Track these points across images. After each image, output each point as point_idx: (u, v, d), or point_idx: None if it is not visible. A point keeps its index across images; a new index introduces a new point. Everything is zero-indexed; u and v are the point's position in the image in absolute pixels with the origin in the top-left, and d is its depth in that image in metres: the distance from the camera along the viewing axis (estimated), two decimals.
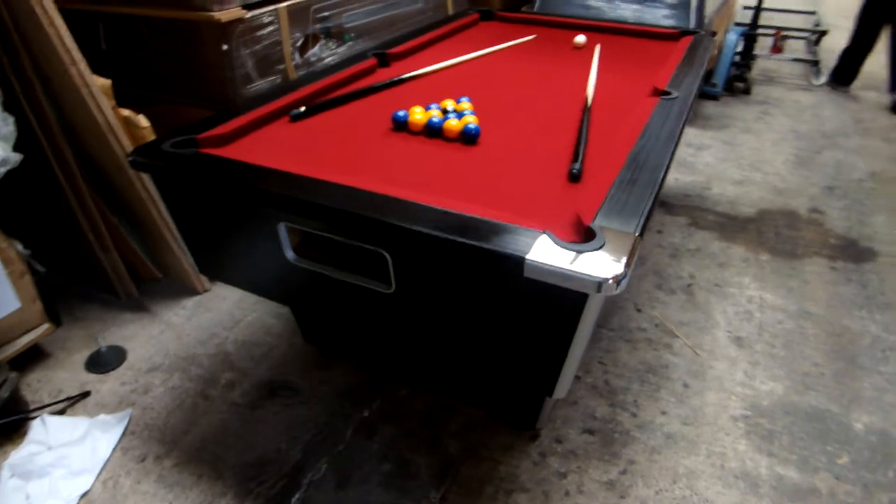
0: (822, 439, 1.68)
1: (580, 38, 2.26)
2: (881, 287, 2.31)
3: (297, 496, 1.53)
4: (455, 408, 1.77)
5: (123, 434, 1.71)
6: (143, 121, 1.88)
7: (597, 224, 1.06)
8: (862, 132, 3.71)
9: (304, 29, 2.25)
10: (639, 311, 2.16)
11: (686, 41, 2.29)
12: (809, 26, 5.01)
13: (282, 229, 1.28)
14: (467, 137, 1.46)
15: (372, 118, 1.59)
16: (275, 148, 1.42)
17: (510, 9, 3.15)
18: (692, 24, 3.18)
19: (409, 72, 1.87)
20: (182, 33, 2.01)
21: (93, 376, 1.91)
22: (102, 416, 1.74)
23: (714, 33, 2.53)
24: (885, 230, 2.69)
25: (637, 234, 1.04)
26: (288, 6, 2.15)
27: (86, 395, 1.84)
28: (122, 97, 1.89)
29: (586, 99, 1.68)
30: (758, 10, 4.11)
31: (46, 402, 1.81)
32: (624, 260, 0.97)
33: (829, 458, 1.63)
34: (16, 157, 1.71)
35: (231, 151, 1.37)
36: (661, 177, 1.24)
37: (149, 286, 2.25)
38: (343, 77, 1.81)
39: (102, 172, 1.98)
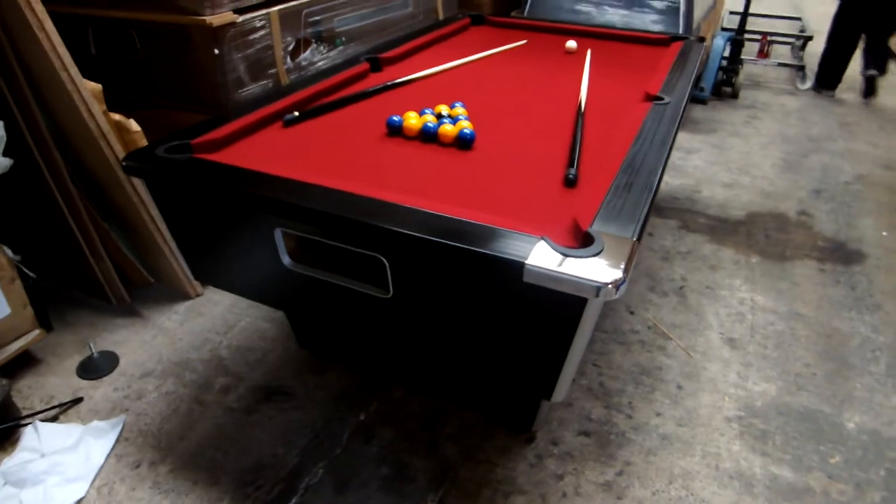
0: (815, 439, 1.70)
1: (571, 44, 2.27)
2: (869, 289, 2.34)
3: (294, 501, 1.53)
4: (451, 410, 1.77)
5: (117, 440, 1.69)
6: (134, 125, 1.86)
7: (594, 229, 1.07)
8: (848, 136, 3.77)
9: (295, 33, 2.25)
10: (632, 313, 2.18)
11: (676, 46, 2.32)
12: (795, 32, 5.08)
13: (278, 234, 1.28)
14: (462, 142, 1.46)
15: (366, 123, 1.59)
16: (269, 153, 1.42)
17: (500, 13, 3.16)
18: (681, 29, 3.21)
19: (402, 76, 1.88)
20: (173, 37, 2.00)
21: (85, 382, 1.89)
22: (96, 423, 1.72)
23: (703, 38, 2.56)
24: (872, 232, 2.73)
25: (635, 238, 1.05)
26: (279, 10, 2.14)
27: (78, 401, 1.82)
28: (111, 102, 1.88)
29: (579, 104, 1.70)
30: (745, 15, 4.17)
31: (38, 408, 1.79)
32: (623, 265, 0.97)
33: (822, 458, 1.65)
34: (5, 162, 1.70)
35: (225, 156, 1.37)
36: (657, 182, 1.25)
37: (140, 291, 2.23)
38: (336, 82, 1.81)
39: (93, 177, 1.97)
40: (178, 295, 2.24)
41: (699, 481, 1.58)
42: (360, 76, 1.92)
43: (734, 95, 4.34)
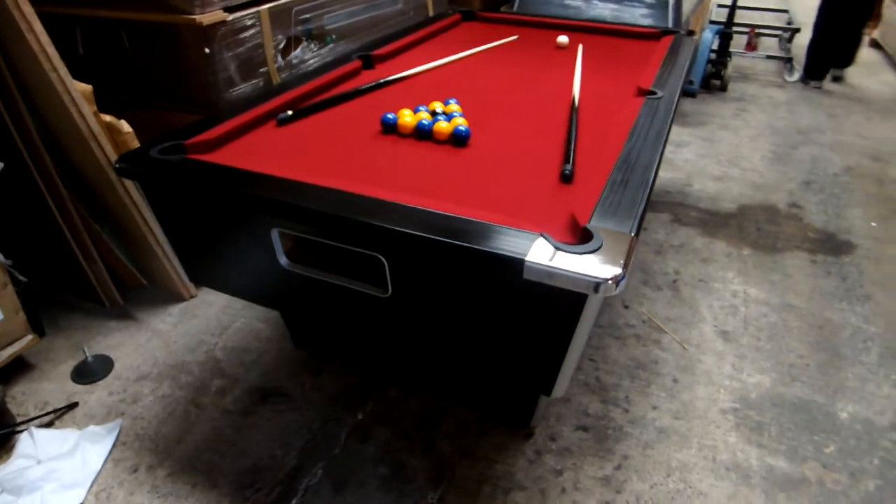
0: (810, 429, 1.72)
1: (563, 39, 2.28)
2: (860, 279, 2.37)
3: (294, 502, 1.53)
4: (448, 409, 1.77)
5: (114, 445, 1.68)
6: (125, 126, 1.84)
7: (593, 225, 1.07)
8: (836, 127, 3.80)
9: (285, 31, 2.23)
10: (626, 307, 2.19)
11: (667, 40, 2.32)
12: (782, 24, 5.12)
13: (275, 235, 1.27)
14: (457, 140, 1.46)
15: (360, 121, 1.58)
16: (263, 153, 1.41)
17: (490, 9, 3.16)
18: (670, 23, 3.22)
19: (394, 74, 1.87)
20: (163, 37, 1.98)
21: (80, 387, 1.87)
22: (92, 428, 1.71)
23: (692, 32, 2.57)
24: (862, 223, 2.76)
25: (633, 234, 1.06)
26: (269, 8, 2.13)
27: (73, 406, 1.81)
28: (101, 102, 1.86)
29: (573, 99, 1.70)
30: (733, 8, 4.19)
31: (33, 414, 1.77)
32: (622, 260, 0.98)
33: (817, 448, 1.67)
34: None
35: (220, 157, 1.36)
36: (653, 177, 1.26)
37: (134, 293, 2.21)
38: (328, 80, 1.80)
39: (84, 179, 1.95)
40: (171, 297, 2.23)
41: (696, 473, 1.59)
42: (353, 74, 1.91)
43: (723, 88, 4.37)
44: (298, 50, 2.29)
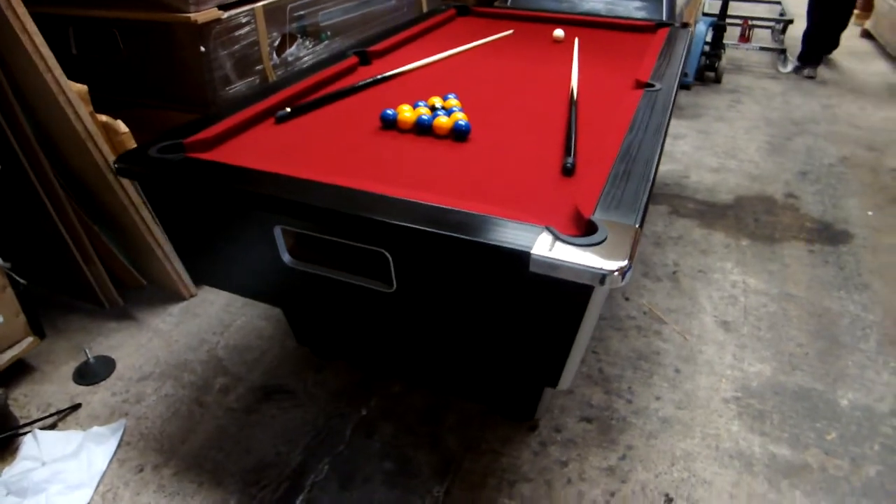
0: (811, 417, 1.74)
1: (559, 32, 2.28)
2: (857, 268, 2.38)
3: (300, 498, 1.53)
4: (452, 403, 1.78)
5: (119, 445, 1.68)
6: (121, 126, 1.84)
7: (597, 217, 1.07)
8: (830, 118, 3.82)
9: (280, 28, 2.23)
10: (627, 299, 2.20)
11: (662, 33, 2.33)
12: (775, 16, 5.13)
13: (277, 232, 1.27)
14: (458, 134, 1.46)
15: (359, 117, 1.58)
16: (263, 150, 1.41)
17: (484, 4, 3.15)
18: (665, 15, 3.21)
19: (391, 69, 1.87)
20: (157, 36, 1.97)
21: (82, 388, 1.87)
22: (96, 428, 1.70)
23: (686, 24, 2.57)
24: (858, 213, 2.77)
25: (637, 225, 1.06)
26: (264, 5, 2.12)
27: (76, 407, 1.80)
28: (96, 103, 1.85)
29: (571, 92, 1.70)
30: (726, 0, 4.20)
31: (36, 416, 1.77)
32: (627, 252, 0.98)
33: (819, 435, 1.68)
34: None
35: (219, 155, 1.35)
36: (654, 169, 1.26)
37: (133, 294, 2.21)
38: (325, 76, 1.80)
39: (81, 180, 1.94)
40: (171, 296, 2.22)
41: (700, 462, 1.61)
42: (350, 70, 1.90)
43: (717, 80, 4.38)
44: (293, 47, 2.28)
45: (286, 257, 1.31)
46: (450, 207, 1.09)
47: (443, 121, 1.46)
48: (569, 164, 1.30)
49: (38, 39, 1.63)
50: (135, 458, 1.65)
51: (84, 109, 1.75)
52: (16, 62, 1.69)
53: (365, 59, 1.99)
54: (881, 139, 3.52)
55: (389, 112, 1.50)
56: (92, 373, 1.91)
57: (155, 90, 2.10)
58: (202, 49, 1.91)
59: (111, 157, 1.82)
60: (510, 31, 2.36)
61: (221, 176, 1.23)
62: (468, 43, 2.17)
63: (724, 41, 4.35)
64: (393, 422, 1.73)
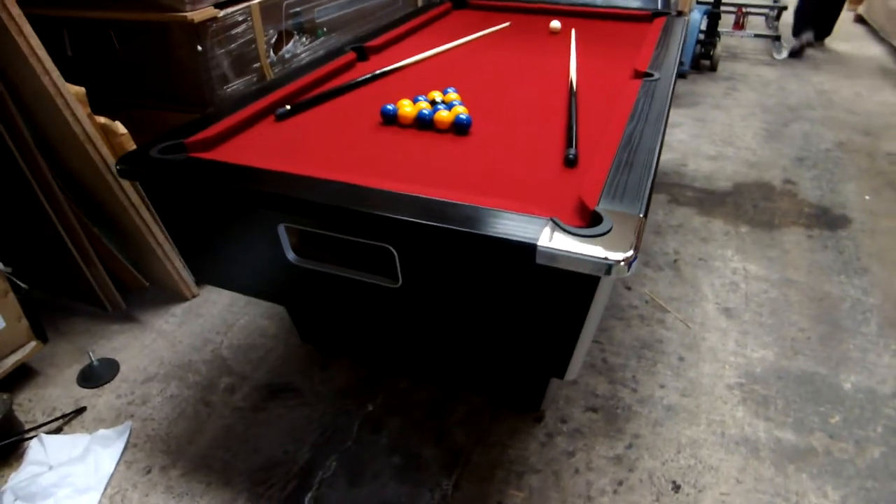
0: (815, 401, 1.75)
1: (555, 24, 2.27)
2: (856, 252, 2.39)
3: (309, 496, 1.53)
4: (457, 396, 1.78)
5: (126, 447, 1.68)
6: (120, 128, 1.83)
7: (602, 208, 1.08)
8: (826, 104, 3.82)
9: (276, 25, 2.22)
10: (629, 288, 2.20)
11: (659, 22, 2.33)
12: (769, 3, 5.13)
13: (281, 230, 1.27)
14: (459, 128, 1.46)
15: (359, 113, 1.57)
16: (265, 148, 1.40)
17: None
18: (660, 4, 3.21)
19: (389, 65, 1.86)
20: (153, 36, 1.96)
21: (87, 391, 1.87)
22: (102, 431, 1.70)
23: (681, 13, 2.57)
24: (855, 197, 2.78)
25: (641, 215, 1.06)
26: (260, 3, 2.11)
27: (81, 410, 1.80)
28: (93, 104, 1.84)
29: (571, 83, 1.70)
30: None
31: (41, 421, 1.77)
32: (633, 242, 0.99)
33: (822, 419, 1.70)
34: None
35: (221, 154, 1.35)
36: (656, 158, 1.27)
37: (135, 295, 2.20)
38: (324, 73, 1.79)
39: (81, 182, 1.93)
40: (173, 297, 2.22)
41: (706, 449, 1.62)
42: (348, 66, 1.90)
43: (713, 68, 4.38)
44: (290, 44, 2.27)
45: (290, 255, 1.31)
46: (455, 202, 1.09)
47: (444, 115, 1.46)
48: (571, 156, 1.31)
49: (35, 42, 1.62)
50: (142, 459, 1.65)
51: (82, 111, 1.74)
52: (13, 65, 1.68)
53: (362, 54, 1.98)
54: (877, 124, 3.53)
55: (390, 107, 1.50)
56: (96, 375, 1.91)
57: (152, 90, 2.09)
58: (199, 48, 1.90)
59: (110, 159, 1.81)
60: (507, 24, 2.36)
61: (225, 175, 1.23)
62: (465, 36, 2.16)
63: (719, 29, 4.35)
64: (399, 417, 1.73)
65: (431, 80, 1.78)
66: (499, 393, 1.76)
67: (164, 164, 1.28)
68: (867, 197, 2.78)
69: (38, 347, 1.88)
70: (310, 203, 1.13)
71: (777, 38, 4.73)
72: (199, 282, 2.22)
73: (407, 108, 1.49)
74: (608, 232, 1.01)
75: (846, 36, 5.13)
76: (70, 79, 1.77)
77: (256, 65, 2.14)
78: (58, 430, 1.74)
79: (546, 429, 1.68)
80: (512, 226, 1.02)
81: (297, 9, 2.29)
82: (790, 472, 1.55)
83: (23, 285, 1.87)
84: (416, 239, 1.12)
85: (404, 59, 1.91)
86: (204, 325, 2.11)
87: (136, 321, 2.14)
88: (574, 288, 1.05)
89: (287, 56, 2.27)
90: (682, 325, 2.03)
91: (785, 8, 4.86)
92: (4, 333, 1.78)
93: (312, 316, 1.85)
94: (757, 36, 4.86)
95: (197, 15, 1.85)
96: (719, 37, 4.37)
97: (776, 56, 4.65)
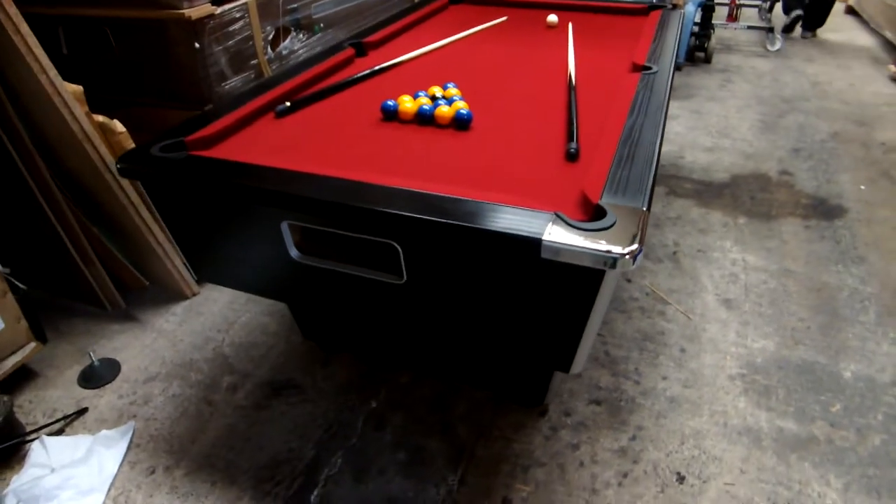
0: (815, 390, 1.76)
1: (552, 18, 2.27)
2: (853, 242, 2.41)
3: (315, 493, 1.53)
4: (461, 391, 1.79)
5: (129, 448, 1.67)
6: (118, 126, 1.81)
7: (605, 201, 1.08)
8: (820, 95, 3.84)
9: (273, 22, 2.21)
10: (629, 281, 2.21)
11: (655, 15, 2.33)
12: None
13: (284, 228, 1.26)
14: (460, 123, 1.46)
15: (359, 109, 1.57)
16: (266, 146, 1.40)
17: None
18: None
19: (387, 60, 1.86)
20: (150, 33, 1.94)
21: (88, 392, 1.86)
22: (104, 432, 1.70)
23: (675, 5, 2.57)
24: (851, 187, 2.80)
25: (645, 208, 1.07)
26: None
27: (83, 411, 1.80)
28: (90, 103, 1.82)
29: (569, 77, 1.70)
30: None
31: (42, 422, 1.76)
32: (637, 235, 0.99)
33: (823, 407, 1.71)
34: None
35: (222, 152, 1.34)
36: (658, 151, 1.27)
37: (135, 295, 2.20)
38: (322, 69, 1.79)
39: (79, 182, 1.92)
40: (174, 296, 2.21)
41: (710, 439, 1.63)
42: (347, 62, 1.89)
43: (707, 60, 4.39)
44: (287, 40, 2.26)
45: (294, 252, 1.30)
46: (459, 197, 1.09)
47: (444, 110, 1.46)
48: (572, 150, 1.31)
49: (32, 40, 1.61)
50: (145, 460, 1.64)
51: (80, 110, 1.73)
52: (10, 64, 1.66)
53: (361, 50, 1.97)
54: (870, 114, 3.54)
55: (390, 103, 1.50)
56: (97, 376, 1.90)
57: (150, 88, 2.08)
58: (196, 45, 1.89)
59: (109, 158, 1.80)
60: (504, 18, 2.35)
61: (227, 173, 1.22)
62: (463, 31, 2.16)
63: (713, 21, 4.36)
64: (403, 412, 1.74)
65: (430, 75, 1.78)
66: (502, 387, 1.77)
67: (165, 162, 1.27)
68: (862, 187, 2.80)
69: (37, 348, 1.87)
70: (314, 200, 1.12)
71: (770, 30, 4.74)
72: (201, 280, 2.21)
73: (407, 103, 1.49)
74: (612, 226, 1.01)
75: (838, 27, 5.15)
76: (66, 77, 1.75)
77: (254, 61, 2.13)
78: (59, 432, 1.74)
79: (550, 422, 1.69)
80: (517, 221, 1.02)
81: (294, 5, 2.28)
82: (792, 460, 1.57)
83: (21, 286, 1.86)
84: (422, 235, 1.12)
85: (403, 54, 1.90)
86: (205, 323, 2.10)
87: (136, 321, 2.13)
88: (579, 282, 1.05)
89: (284, 52, 2.26)
90: (682, 317, 2.04)
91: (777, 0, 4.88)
92: (3, 334, 1.77)
93: (314, 312, 1.85)
94: (750, 28, 4.88)
95: (194, 12, 1.84)
96: (713, 29, 4.37)
97: (770, 48, 4.66)
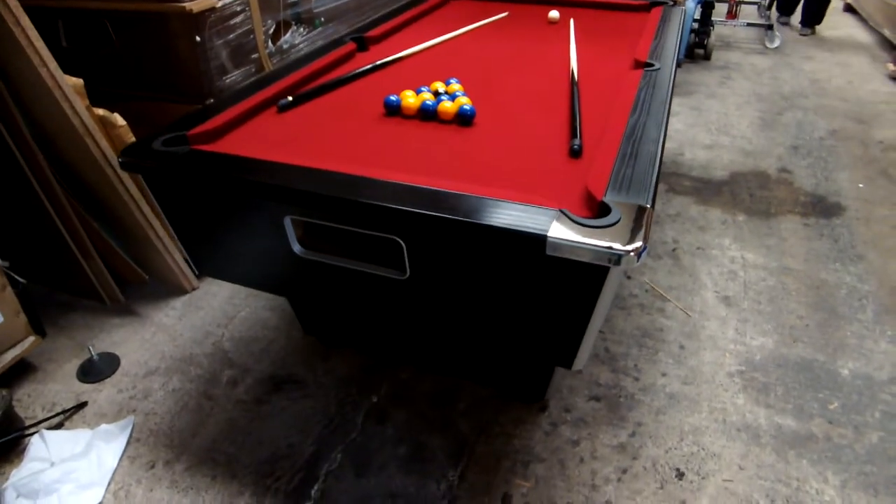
0: (813, 387, 1.77)
1: (554, 14, 2.27)
2: (851, 240, 2.42)
3: (316, 488, 1.54)
4: (462, 387, 1.79)
5: (128, 442, 1.67)
6: (119, 119, 1.81)
7: (609, 198, 1.08)
8: (818, 92, 3.84)
9: (274, 16, 2.20)
10: (629, 277, 2.22)
11: (657, 12, 2.32)
12: None
13: (287, 222, 1.26)
14: (463, 119, 1.46)
15: (361, 104, 1.57)
16: (268, 140, 1.39)
17: None
18: None
19: (390, 55, 1.85)
20: (151, 26, 1.93)
21: (87, 386, 1.86)
22: (104, 426, 1.69)
23: (676, 2, 2.57)
24: (849, 185, 2.81)
25: (649, 205, 1.07)
26: None
27: (82, 405, 1.79)
28: (91, 96, 1.81)
29: (572, 74, 1.70)
30: None
31: (41, 416, 1.75)
32: (642, 233, 0.99)
33: (822, 405, 1.72)
34: None
35: (224, 146, 1.34)
36: (661, 148, 1.27)
37: (135, 289, 2.19)
38: (325, 64, 1.78)
39: (79, 175, 1.91)
40: (173, 290, 2.20)
41: (709, 436, 1.63)
42: (348, 57, 1.88)
43: (707, 57, 4.39)
44: (288, 34, 2.25)
45: (296, 247, 1.30)
46: (463, 193, 1.09)
47: (447, 106, 1.45)
48: (576, 146, 1.31)
49: (33, 33, 1.60)
50: (145, 454, 1.64)
51: (80, 103, 1.72)
52: (9, 57, 1.65)
53: (362, 45, 1.97)
54: (868, 112, 3.55)
55: (393, 98, 1.49)
56: (96, 370, 1.90)
57: (151, 82, 2.06)
58: (197, 39, 1.88)
59: (109, 151, 1.79)
60: (505, 13, 2.35)
61: (230, 167, 1.22)
62: (464, 26, 2.15)
63: (713, 18, 4.36)
64: (404, 408, 1.74)
65: (432, 70, 1.77)
66: (503, 383, 1.77)
67: (167, 156, 1.26)
68: (861, 185, 2.80)
69: (36, 342, 1.86)
70: (318, 195, 1.12)
71: (769, 27, 4.74)
72: (202, 274, 2.21)
73: (410, 98, 1.48)
74: (617, 222, 1.01)
75: (836, 25, 5.16)
76: (66, 70, 1.74)
77: (255, 55, 2.12)
78: (59, 426, 1.74)
79: (550, 418, 1.69)
80: (522, 217, 1.02)
81: None
82: (791, 457, 1.58)
83: (20, 279, 1.85)
84: (426, 231, 1.12)
85: (404, 49, 1.90)
86: (205, 317, 2.10)
87: (135, 315, 2.12)
88: (583, 278, 1.05)
89: (285, 46, 2.25)
90: (682, 314, 2.05)
91: None
92: (2, 328, 1.76)
93: (315, 307, 1.85)
94: (749, 25, 4.87)
95: (195, 5, 1.83)
96: (713, 26, 4.37)
97: (769, 45, 4.67)
